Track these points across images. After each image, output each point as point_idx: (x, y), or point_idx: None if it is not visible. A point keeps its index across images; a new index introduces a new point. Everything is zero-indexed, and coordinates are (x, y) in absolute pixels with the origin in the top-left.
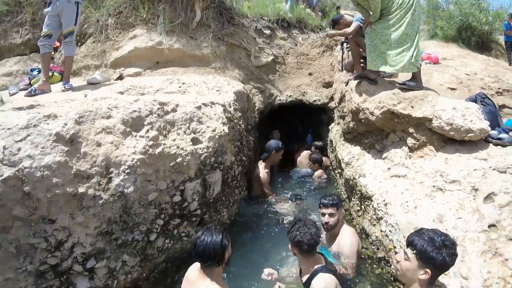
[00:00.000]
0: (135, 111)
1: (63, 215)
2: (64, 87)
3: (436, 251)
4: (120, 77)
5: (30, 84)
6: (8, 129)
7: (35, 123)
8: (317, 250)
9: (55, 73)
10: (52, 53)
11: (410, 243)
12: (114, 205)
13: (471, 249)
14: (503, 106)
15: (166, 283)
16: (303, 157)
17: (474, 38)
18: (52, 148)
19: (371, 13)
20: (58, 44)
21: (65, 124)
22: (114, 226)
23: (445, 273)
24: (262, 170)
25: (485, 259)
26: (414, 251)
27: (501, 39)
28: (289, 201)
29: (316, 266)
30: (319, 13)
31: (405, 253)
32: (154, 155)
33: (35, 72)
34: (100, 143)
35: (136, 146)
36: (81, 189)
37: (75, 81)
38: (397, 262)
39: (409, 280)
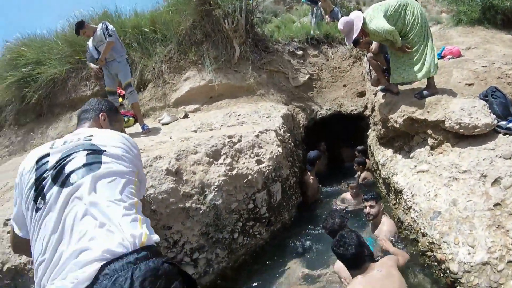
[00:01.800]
0: (213, 145)
1: (177, 223)
2: (143, 129)
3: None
4: (186, 116)
5: None
6: None
7: (149, 163)
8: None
9: (130, 118)
10: (120, 100)
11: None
12: (210, 214)
13: (478, 224)
14: None
15: (245, 271)
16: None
17: (499, 17)
18: (165, 179)
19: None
20: (123, 92)
21: (170, 162)
22: (210, 228)
23: (456, 243)
24: (310, 178)
25: (490, 231)
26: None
27: None
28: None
29: None
30: None
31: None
32: (232, 176)
33: None
34: (195, 172)
35: (219, 171)
36: (187, 204)
37: (146, 122)
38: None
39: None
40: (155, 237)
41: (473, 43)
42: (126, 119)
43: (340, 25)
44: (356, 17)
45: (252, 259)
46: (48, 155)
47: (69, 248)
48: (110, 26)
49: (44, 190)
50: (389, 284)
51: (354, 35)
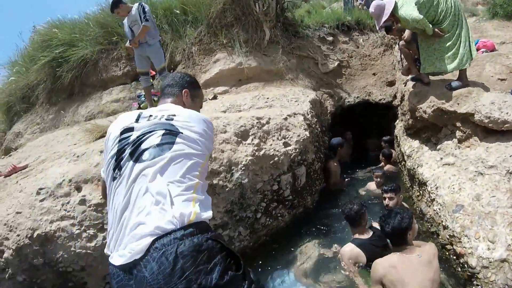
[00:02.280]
0: (242, 126)
1: None
2: None
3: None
4: (215, 97)
5: (140, 108)
6: None
7: None
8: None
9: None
10: (151, 80)
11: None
12: (235, 192)
13: (500, 221)
14: None
15: (264, 251)
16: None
17: None
18: None
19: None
20: (154, 72)
21: None
22: (235, 206)
23: (476, 237)
24: (333, 165)
25: (511, 228)
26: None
27: None
28: None
29: (354, 236)
30: None
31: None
32: (259, 156)
33: (142, 98)
34: (223, 150)
35: (247, 151)
36: (215, 181)
37: None
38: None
39: None
40: (206, 215)
41: (508, 37)
42: (155, 99)
43: (372, 8)
44: (388, 1)
45: (272, 240)
46: (132, 129)
47: (131, 220)
48: (147, 9)
49: (122, 163)
50: (426, 271)
51: (383, 19)
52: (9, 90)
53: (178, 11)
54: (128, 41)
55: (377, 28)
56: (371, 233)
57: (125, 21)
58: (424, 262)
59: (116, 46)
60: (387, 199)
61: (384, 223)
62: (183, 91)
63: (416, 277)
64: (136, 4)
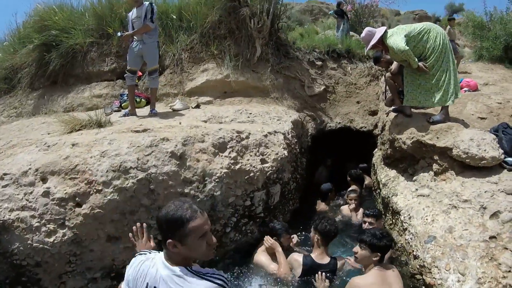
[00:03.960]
0: (221, 137)
1: None
2: (151, 112)
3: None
4: (198, 106)
5: (121, 107)
6: (138, 146)
7: (156, 144)
8: None
9: (142, 99)
10: (136, 81)
11: (360, 241)
12: (206, 203)
13: (471, 254)
14: None
15: (231, 267)
16: None
17: None
18: (169, 161)
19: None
20: (140, 73)
21: (176, 145)
22: None
23: (447, 269)
24: (322, 207)
25: (482, 262)
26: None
27: None
28: None
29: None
30: None
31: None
32: (234, 170)
33: (125, 97)
34: (198, 160)
35: (223, 163)
36: (186, 190)
37: (158, 107)
38: (355, 253)
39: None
40: None
41: (491, 79)
42: (138, 99)
43: (363, 33)
44: (378, 29)
45: (240, 256)
46: None
47: None
48: (156, 10)
49: None
50: (399, 283)
51: (372, 43)
52: None
53: (174, 16)
54: (122, 31)
55: (365, 52)
56: (329, 259)
57: (131, 13)
58: (397, 275)
59: (107, 41)
60: (367, 223)
61: (378, 240)
62: (167, 243)
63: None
64: (147, 3)
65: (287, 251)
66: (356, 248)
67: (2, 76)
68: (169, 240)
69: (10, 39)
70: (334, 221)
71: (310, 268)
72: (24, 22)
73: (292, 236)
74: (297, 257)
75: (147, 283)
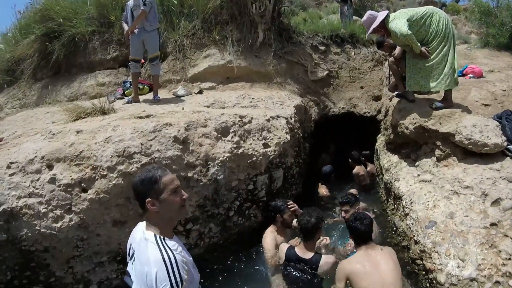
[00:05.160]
0: (223, 122)
1: None
2: (154, 99)
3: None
4: (200, 91)
5: (124, 94)
6: (141, 132)
7: (159, 129)
8: None
9: (145, 86)
10: (140, 67)
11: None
12: (210, 187)
13: (472, 240)
14: None
15: (233, 251)
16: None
17: None
18: (172, 146)
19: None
20: (143, 61)
21: (179, 130)
22: (207, 202)
23: (447, 254)
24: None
25: (482, 249)
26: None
27: None
28: None
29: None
30: None
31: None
32: (237, 154)
33: (128, 85)
34: (201, 144)
35: (225, 147)
36: (189, 174)
37: (161, 93)
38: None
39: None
40: None
41: (497, 67)
42: (141, 86)
43: (365, 16)
44: (380, 13)
45: (243, 240)
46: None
47: None
48: None
49: None
50: (389, 258)
51: (374, 26)
52: None
53: (176, 2)
54: (124, 24)
55: (366, 36)
56: (311, 255)
57: (129, 2)
58: (387, 253)
59: (109, 29)
60: (343, 212)
61: (360, 224)
62: (146, 202)
63: (380, 266)
64: None
65: (290, 228)
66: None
67: (4, 68)
68: (148, 199)
69: (11, 31)
70: (318, 215)
71: (291, 260)
72: (25, 12)
73: (322, 238)
74: (283, 247)
75: (131, 244)
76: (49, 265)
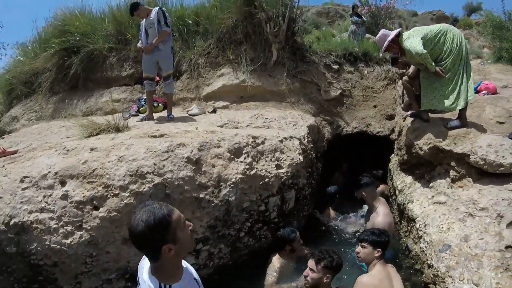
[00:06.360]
0: (236, 143)
1: (187, 210)
2: (168, 117)
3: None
4: (214, 110)
5: (139, 111)
6: (155, 151)
7: (172, 149)
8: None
9: (159, 104)
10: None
11: (361, 240)
12: (221, 208)
13: (486, 264)
14: None
15: (243, 272)
16: None
17: None
18: (185, 166)
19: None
20: (158, 78)
21: (192, 150)
22: (218, 223)
23: (461, 279)
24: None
25: (497, 272)
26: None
27: None
28: None
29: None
30: None
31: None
32: (249, 176)
33: (142, 102)
34: (214, 165)
35: (238, 168)
36: (201, 195)
37: (175, 111)
38: (358, 253)
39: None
40: None
41: (511, 81)
42: (156, 104)
43: (378, 35)
44: (394, 31)
45: (253, 261)
46: None
47: None
48: (168, 14)
49: None
50: (398, 277)
51: (386, 42)
52: (13, 72)
53: (190, 22)
54: (140, 42)
55: (380, 54)
56: None
57: (143, 22)
58: (396, 272)
59: (126, 46)
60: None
61: (377, 237)
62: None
63: (394, 283)
64: (157, 8)
65: (299, 256)
66: (358, 249)
67: (23, 79)
68: (164, 246)
69: (31, 44)
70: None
71: None
72: (45, 27)
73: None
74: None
75: (138, 278)
76: (57, 279)
